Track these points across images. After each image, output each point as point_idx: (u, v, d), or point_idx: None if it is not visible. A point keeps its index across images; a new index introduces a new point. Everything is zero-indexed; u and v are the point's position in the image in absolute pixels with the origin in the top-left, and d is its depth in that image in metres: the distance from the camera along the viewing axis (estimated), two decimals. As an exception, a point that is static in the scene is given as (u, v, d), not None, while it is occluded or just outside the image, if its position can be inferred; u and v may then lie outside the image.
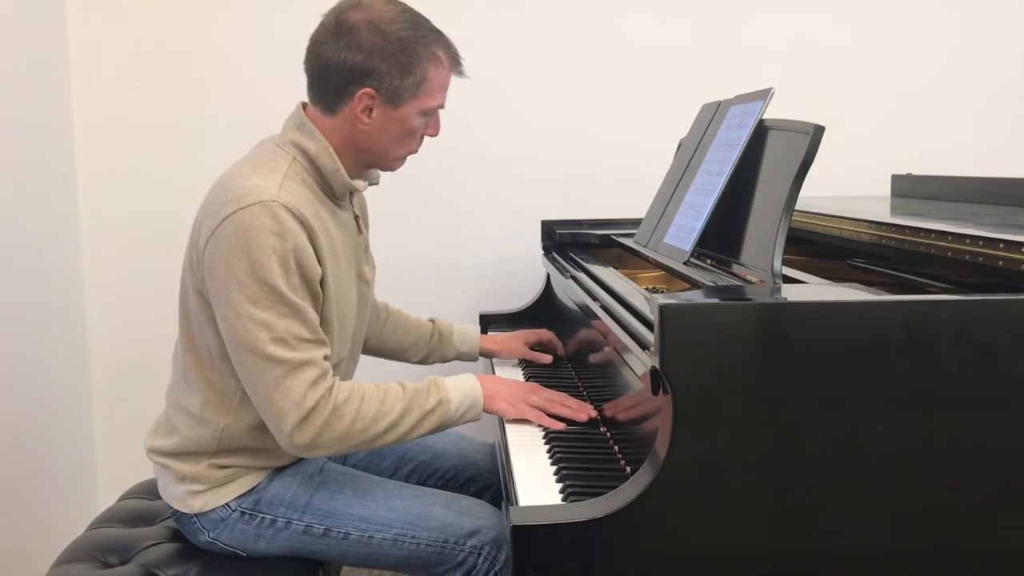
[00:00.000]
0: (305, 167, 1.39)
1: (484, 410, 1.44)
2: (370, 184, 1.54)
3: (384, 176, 1.57)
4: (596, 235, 2.10)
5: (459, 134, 2.37)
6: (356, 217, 1.52)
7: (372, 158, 1.45)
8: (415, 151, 1.48)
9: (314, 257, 1.33)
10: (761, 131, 1.43)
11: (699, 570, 1.06)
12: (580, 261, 1.84)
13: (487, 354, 1.86)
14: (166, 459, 1.44)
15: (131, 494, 1.69)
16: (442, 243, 2.46)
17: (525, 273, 2.40)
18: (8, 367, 2.05)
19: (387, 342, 1.79)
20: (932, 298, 1.11)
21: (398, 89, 1.36)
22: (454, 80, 1.44)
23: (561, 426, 1.43)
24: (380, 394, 1.36)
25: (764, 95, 1.44)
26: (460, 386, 1.42)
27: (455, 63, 1.43)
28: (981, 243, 1.21)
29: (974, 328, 1.04)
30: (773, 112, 1.42)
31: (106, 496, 2.42)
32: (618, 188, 2.42)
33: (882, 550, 1.06)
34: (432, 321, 1.84)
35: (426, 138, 1.46)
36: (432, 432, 1.40)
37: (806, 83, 2.39)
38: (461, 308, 2.43)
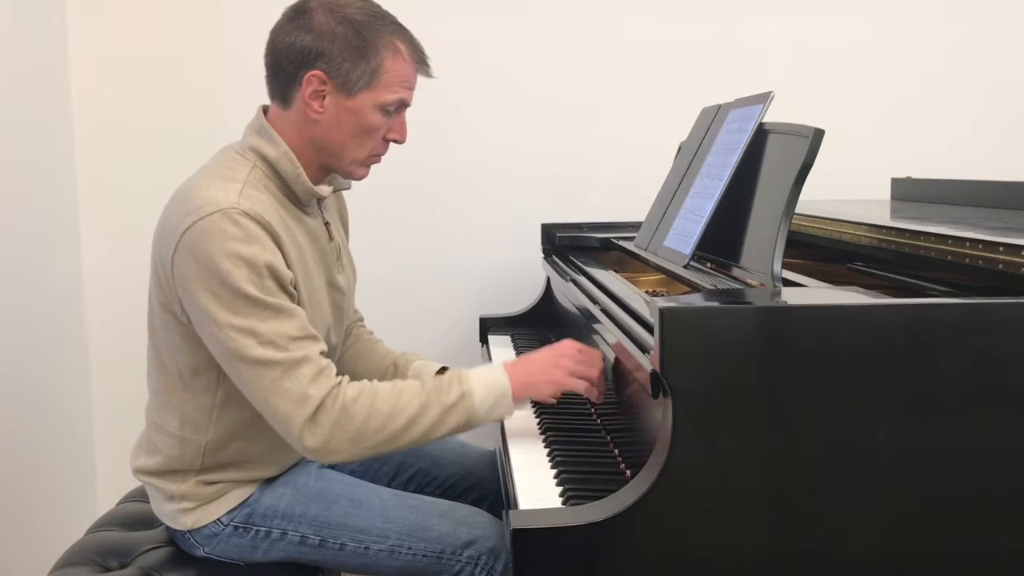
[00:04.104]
0: (266, 173, 1.33)
1: (516, 399, 1.32)
2: (337, 190, 1.48)
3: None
4: (596, 238, 2.10)
5: (460, 137, 2.38)
6: (326, 224, 1.45)
7: (330, 158, 1.37)
8: (378, 156, 1.40)
9: (283, 261, 1.28)
10: (761, 135, 1.43)
11: (699, 573, 1.05)
12: (580, 264, 1.84)
13: None
14: (153, 479, 1.42)
15: (130, 498, 1.68)
16: (443, 246, 2.46)
17: (525, 276, 2.40)
18: (8, 371, 2.05)
19: (342, 364, 1.63)
20: (932, 301, 1.11)
21: (349, 75, 1.30)
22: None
23: (600, 395, 1.36)
24: (395, 391, 1.29)
25: (764, 99, 1.44)
26: (484, 377, 1.33)
27: (419, 60, 1.35)
28: (981, 247, 1.21)
29: (974, 331, 1.04)
30: (773, 115, 1.42)
31: (106, 500, 2.41)
32: (618, 191, 2.42)
33: (882, 552, 1.05)
34: (400, 354, 1.65)
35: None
36: (459, 430, 1.31)
37: (806, 86, 2.39)
38: (461, 311, 2.43)
